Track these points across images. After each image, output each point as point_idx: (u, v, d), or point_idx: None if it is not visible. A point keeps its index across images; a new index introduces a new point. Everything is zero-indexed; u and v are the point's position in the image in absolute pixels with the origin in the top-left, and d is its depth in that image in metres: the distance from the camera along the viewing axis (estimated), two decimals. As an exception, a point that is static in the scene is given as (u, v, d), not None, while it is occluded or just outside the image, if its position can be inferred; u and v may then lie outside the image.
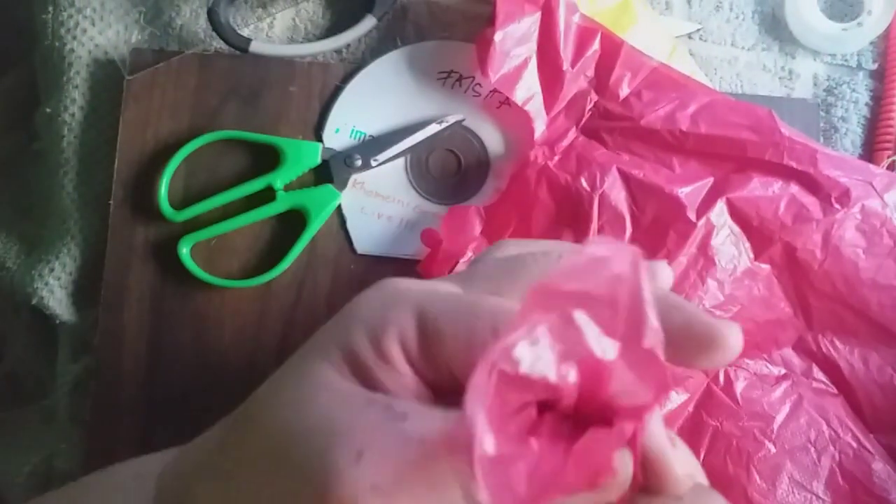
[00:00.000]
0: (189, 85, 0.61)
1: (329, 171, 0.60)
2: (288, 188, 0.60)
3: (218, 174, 0.60)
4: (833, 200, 0.54)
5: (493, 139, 0.61)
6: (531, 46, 0.57)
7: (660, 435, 0.29)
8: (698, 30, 0.65)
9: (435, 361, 0.31)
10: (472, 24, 0.62)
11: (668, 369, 0.25)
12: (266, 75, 0.61)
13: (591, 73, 0.58)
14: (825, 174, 0.54)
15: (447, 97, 0.61)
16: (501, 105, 0.60)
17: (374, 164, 0.60)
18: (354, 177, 0.60)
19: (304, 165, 0.60)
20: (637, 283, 0.25)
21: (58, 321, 0.61)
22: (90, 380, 0.59)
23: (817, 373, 0.55)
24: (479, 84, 0.60)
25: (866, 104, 0.64)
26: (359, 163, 0.59)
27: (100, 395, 0.58)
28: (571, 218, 0.55)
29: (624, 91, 0.57)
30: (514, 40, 0.56)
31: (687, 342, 0.31)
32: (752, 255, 0.54)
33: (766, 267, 0.54)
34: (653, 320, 0.25)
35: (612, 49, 0.57)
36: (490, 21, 0.56)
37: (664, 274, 0.37)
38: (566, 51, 0.57)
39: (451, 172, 0.61)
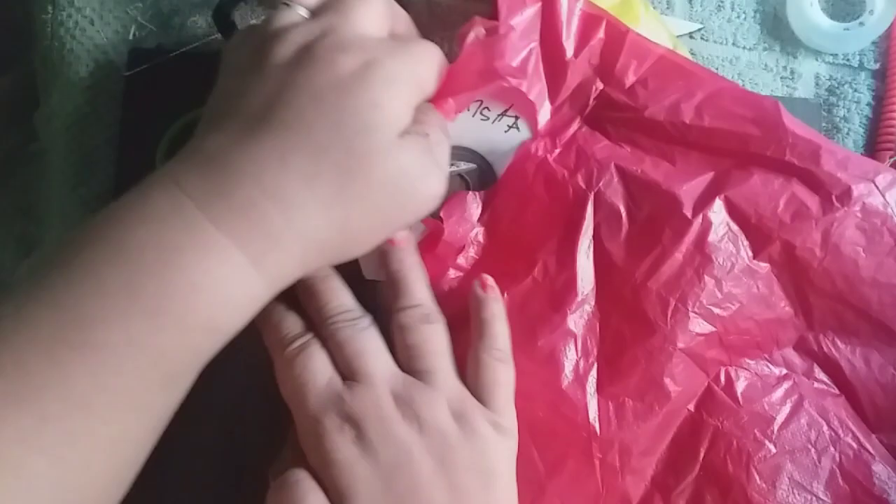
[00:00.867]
0: (188, 85, 0.60)
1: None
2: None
3: None
4: (834, 199, 0.53)
5: (502, 164, 0.59)
6: (535, 37, 0.56)
7: None
8: (699, 29, 0.65)
9: None
10: (469, 21, 0.62)
11: None
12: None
13: (595, 60, 0.57)
14: (827, 171, 0.53)
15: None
16: (510, 129, 0.59)
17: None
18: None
19: None
20: None
21: (57, 321, 0.60)
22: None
23: (818, 373, 0.55)
24: (488, 108, 0.58)
25: (868, 104, 0.64)
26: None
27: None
28: (564, 214, 0.55)
29: (630, 79, 0.57)
30: (518, 33, 0.56)
31: None
32: (750, 254, 0.54)
33: (765, 265, 0.54)
34: None
35: (618, 37, 0.57)
36: (493, 16, 0.56)
37: None
38: (569, 40, 0.56)
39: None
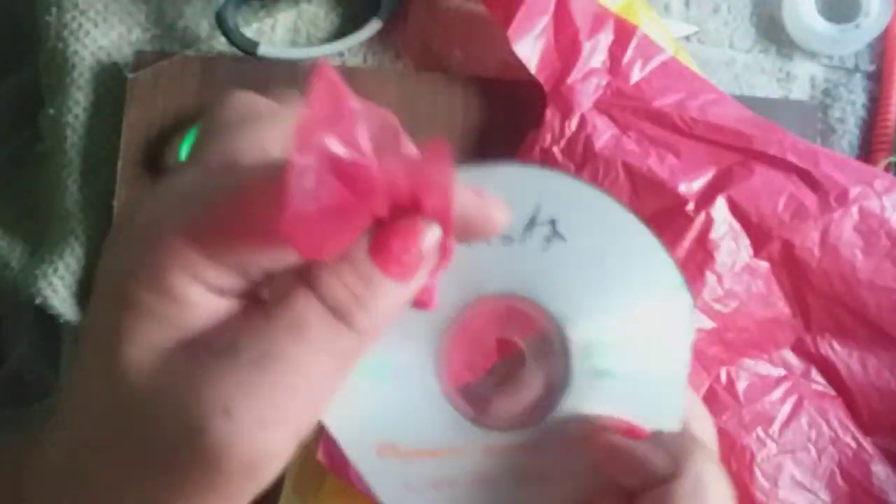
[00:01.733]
0: (192, 86, 0.61)
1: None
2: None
3: None
4: (832, 199, 0.54)
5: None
6: (548, 18, 0.57)
7: (465, 194, 0.31)
8: (696, 32, 0.65)
9: (233, 263, 0.29)
10: (474, 26, 0.62)
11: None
12: (268, 77, 0.61)
13: (604, 56, 0.58)
14: (826, 173, 0.54)
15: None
16: (551, 241, 0.40)
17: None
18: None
19: None
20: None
21: (61, 321, 0.61)
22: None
23: (816, 375, 0.56)
24: None
25: (864, 106, 0.65)
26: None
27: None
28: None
29: (636, 76, 0.58)
30: (535, 10, 0.57)
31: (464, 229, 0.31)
32: (751, 252, 0.54)
33: (764, 264, 0.55)
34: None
35: (626, 34, 0.58)
36: (495, 20, 0.57)
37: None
38: (584, 23, 0.58)
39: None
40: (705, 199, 0.54)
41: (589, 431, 0.38)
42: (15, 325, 0.69)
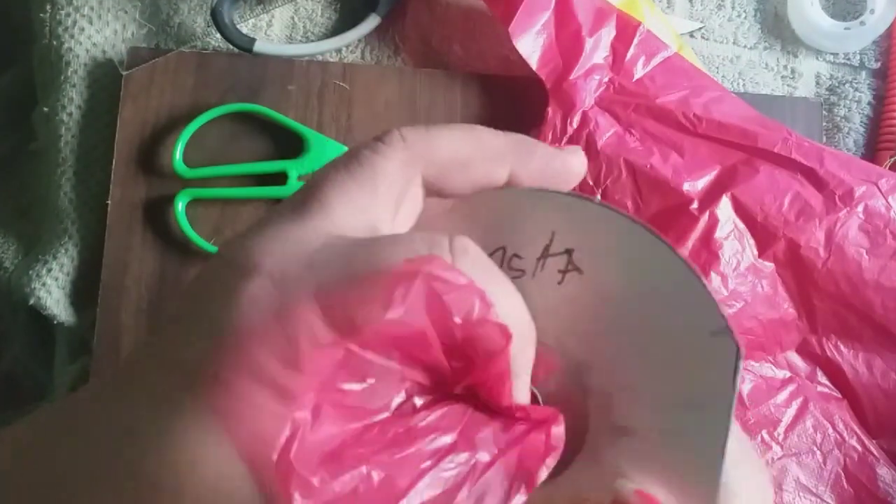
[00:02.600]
0: (187, 83, 0.60)
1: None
2: (302, 179, 0.59)
3: (235, 150, 0.60)
4: (837, 199, 0.54)
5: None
6: (549, 13, 0.57)
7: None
8: (700, 28, 0.65)
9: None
10: (474, 21, 0.62)
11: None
12: (264, 74, 0.60)
13: (607, 52, 0.58)
14: (831, 172, 0.54)
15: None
16: (567, 275, 0.35)
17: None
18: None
19: (325, 162, 0.59)
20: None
21: (55, 322, 0.60)
22: (88, 380, 0.59)
23: (821, 377, 0.55)
24: (518, 255, 0.35)
25: (869, 103, 0.64)
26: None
27: (97, 397, 0.58)
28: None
29: (638, 72, 0.57)
30: (537, 6, 0.56)
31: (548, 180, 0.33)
32: (756, 252, 0.54)
33: (769, 265, 0.54)
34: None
35: (628, 30, 0.58)
36: (493, 15, 0.56)
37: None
38: (586, 19, 0.57)
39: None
40: (710, 198, 0.54)
41: (608, 499, 0.32)
42: (8, 326, 0.68)
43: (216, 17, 0.59)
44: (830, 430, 0.53)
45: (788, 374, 0.55)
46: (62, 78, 0.61)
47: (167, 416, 0.25)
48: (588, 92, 0.57)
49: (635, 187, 0.55)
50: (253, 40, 0.59)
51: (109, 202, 0.59)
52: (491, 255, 0.32)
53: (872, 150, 0.63)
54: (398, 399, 0.28)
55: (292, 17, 0.63)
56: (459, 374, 0.28)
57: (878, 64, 0.65)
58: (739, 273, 0.53)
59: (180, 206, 0.58)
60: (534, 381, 0.32)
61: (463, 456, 0.27)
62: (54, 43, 0.61)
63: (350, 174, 0.30)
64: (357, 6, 0.63)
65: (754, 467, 0.36)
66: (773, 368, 0.55)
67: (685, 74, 0.57)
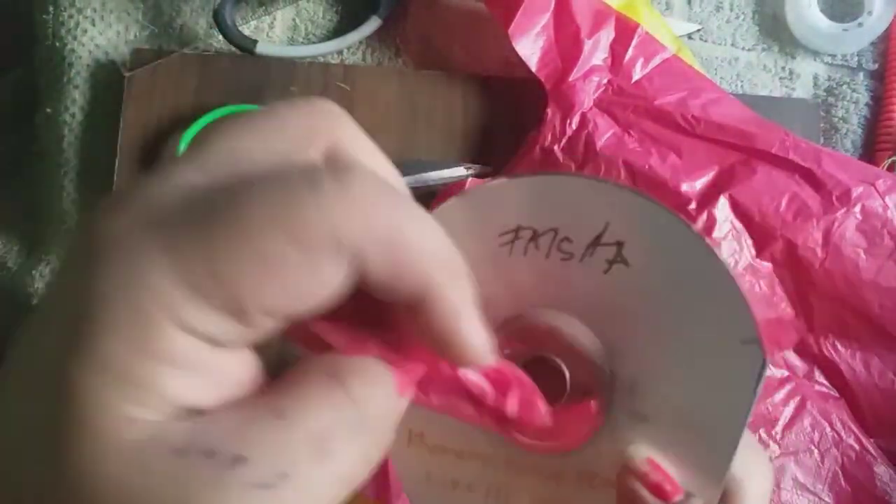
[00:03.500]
0: (189, 85, 0.60)
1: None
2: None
3: None
4: (834, 199, 0.54)
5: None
6: (548, 15, 0.57)
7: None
8: (699, 30, 0.65)
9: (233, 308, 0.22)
10: (474, 23, 0.62)
11: None
12: (266, 75, 0.61)
13: (606, 53, 0.58)
14: (828, 172, 0.54)
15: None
16: (613, 266, 0.35)
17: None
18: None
19: None
20: None
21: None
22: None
23: (819, 376, 0.55)
24: (569, 239, 0.35)
25: (867, 104, 0.64)
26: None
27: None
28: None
29: (637, 73, 0.58)
30: (536, 8, 0.57)
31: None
32: (753, 252, 0.54)
33: (767, 265, 0.54)
34: None
35: (627, 32, 0.58)
36: (494, 17, 0.57)
37: None
38: (585, 21, 0.57)
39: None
40: (707, 198, 0.54)
41: (617, 471, 0.34)
42: (11, 327, 0.68)
43: (218, 19, 0.59)
44: (828, 429, 0.54)
45: (786, 373, 0.55)
46: (65, 79, 0.61)
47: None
48: (587, 93, 0.57)
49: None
50: (255, 42, 0.60)
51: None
52: (542, 234, 0.33)
53: (870, 151, 0.63)
54: None
55: (294, 19, 0.63)
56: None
57: (876, 65, 0.65)
58: (737, 273, 0.54)
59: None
60: (564, 358, 0.35)
61: None
62: (57, 45, 0.61)
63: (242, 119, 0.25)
64: (358, 8, 0.63)
65: (757, 456, 0.38)
66: (770, 368, 0.55)
67: (683, 76, 0.58)
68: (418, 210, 0.25)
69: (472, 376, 0.28)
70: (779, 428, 0.53)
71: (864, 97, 0.64)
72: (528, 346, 0.35)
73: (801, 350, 0.56)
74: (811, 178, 0.54)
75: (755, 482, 0.37)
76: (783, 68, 0.65)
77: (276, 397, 0.23)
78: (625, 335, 0.34)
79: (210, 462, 0.21)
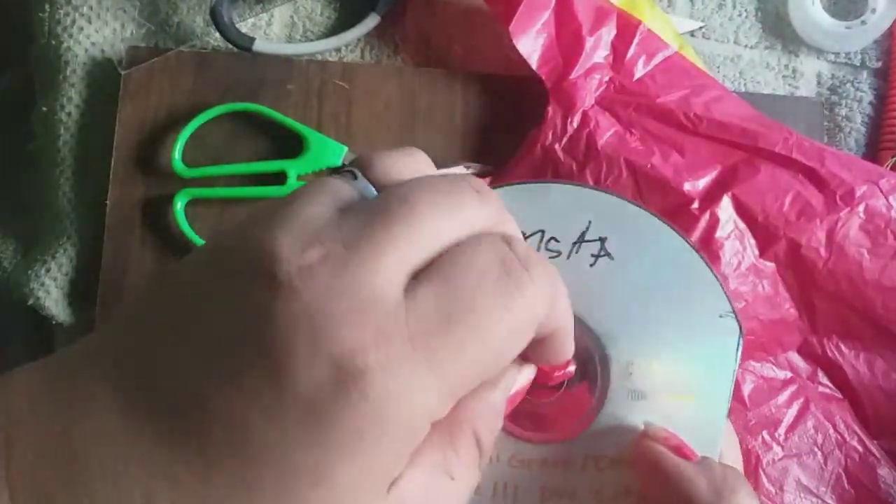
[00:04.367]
0: (186, 83, 0.60)
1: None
2: (301, 178, 0.59)
3: (234, 150, 0.60)
4: (837, 198, 0.53)
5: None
6: (549, 12, 0.57)
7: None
8: (701, 27, 0.64)
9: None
10: (474, 21, 0.61)
11: None
12: (264, 73, 0.60)
13: (607, 51, 0.58)
14: (832, 172, 0.54)
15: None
16: (598, 260, 0.40)
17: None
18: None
19: (325, 163, 0.59)
20: None
21: (54, 322, 0.60)
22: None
23: (822, 377, 0.55)
24: (555, 238, 0.39)
25: (870, 103, 0.64)
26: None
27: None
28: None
29: (639, 71, 0.57)
30: (537, 5, 0.56)
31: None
32: (757, 252, 0.54)
33: (770, 265, 0.54)
34: None
35: (629, 29, 0.58)
36: (493, 15, 0.56)
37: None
38: (586, 18, 0.57)
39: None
40: (710, 197, 0.54)
41: (636, 439, 0.38)
42: (7, 327, 0.68)
43: (215, 17, 0.58)
44: (831, 431, 0.53)
45: (789, 374, 0.55)
46: (61, 77, 0.60)
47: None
48: (588, 91, 0.57)
49: (636, 187, 0.55)
50: (252, 39, 0.59)
51: (108, 202, 0.59)
52: (530, 236, 0.38)
53: (874, 150, 0.63)
54: None
55: (292, 17, 0.63)
56: None
57: (880, 63, 0.65)
58: (740, 273, 0.53)
59: (179, 205, 0.58)
60: None
61: None
62: (53, 42, 0.61)
63: None
64: (357, 5, 0.62)
65: (737, 448, 0.44)
66: (773, 369, 0.55)
67: (686, 74, 0.57)
68: (558, 277, 0.30)
69: None
70: (782, 430, 0.53)
71: (867, 95, 0.64)
72: None
73: (805, 351, 0.55)
74: (814, 177, 0.54)
75: (734, 452, 0.42)
76: (786, 66, 0.65)
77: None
78: (616, 321, 0.38)
79: None
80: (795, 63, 0.65)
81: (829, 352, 0.55)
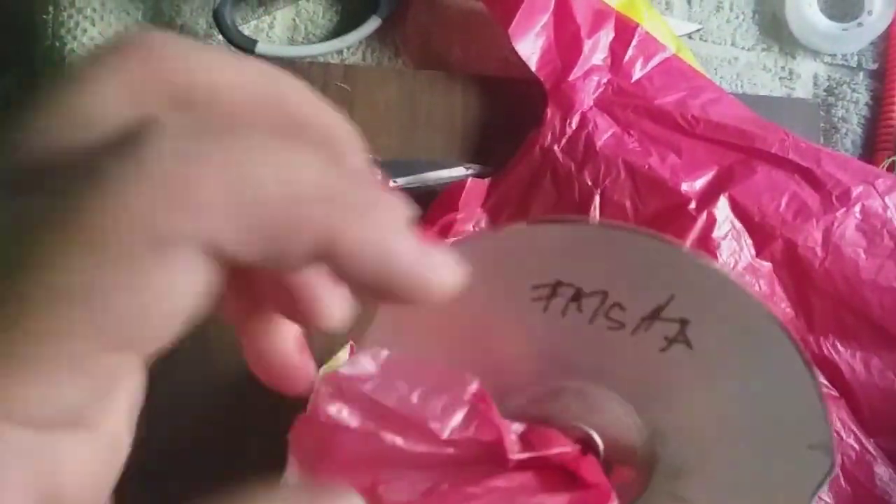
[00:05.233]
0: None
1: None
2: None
3: None
4: (834, 199, 0.54)
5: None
6: (548, 15, 0.57)
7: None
8: (698, 30, 0.65)
9: None
10: (473, 23, 0.62)
11: None
12: (266, 75, 0.60)
13: (605, 53, 0.58)
14: (828, 172, 0.54)
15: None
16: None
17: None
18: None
19: None
20: None
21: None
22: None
23: (819, 376, 0.55)
24: (621, 306, 0.29)
25: (866, 104, 0.64)
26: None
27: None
28: (572, 209, 0.55)
29: (637, 73, 0.58)
30: (536, 8, 0.57)
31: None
32: (753, 252, 0.54)
33: (767, 265, 0.54)
34: None
35: (627, 32, 0.58)
36: (493, 16, 0.57)
37: None
38: (585, 20, 0.57)
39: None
40: (707, 198, 0.54)
41: None
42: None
43: (218, 19, 0.59)
44: (828, 429, 0.54)
45: (786, 373, 0.55)
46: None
47: None
48: (587, 93, 0.57)
49: (634, 188, 0.55)
50: (255, 42, 0.60)
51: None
52: (588, 296, 0.28)
53: (870, 151, 0.63)
54: None
55: (294, 19, 0.63)
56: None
57: (876, 65, 0.65)
58: (737, 273, 0.54)
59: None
60: (600, 432, 0.31)
61: None
62: (56, 44, 0.61)
63: None
64: (358, 8, 0.63)
65: None
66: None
67: (683, 76, 0.58)
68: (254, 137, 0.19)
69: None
70: (779, 428, 0.53)
71: (863, 97, 0.64)
72: (554, 417, 0.32)
73: (802, 350, 0.55)
74: (811, 178, 0.54)
75: None
76: (783, 68, 0.65)
77: None
78: (675, 420, 0.31)
79: None
80: (792, 65, 0.65)
81: (825, 351, 0.55)
